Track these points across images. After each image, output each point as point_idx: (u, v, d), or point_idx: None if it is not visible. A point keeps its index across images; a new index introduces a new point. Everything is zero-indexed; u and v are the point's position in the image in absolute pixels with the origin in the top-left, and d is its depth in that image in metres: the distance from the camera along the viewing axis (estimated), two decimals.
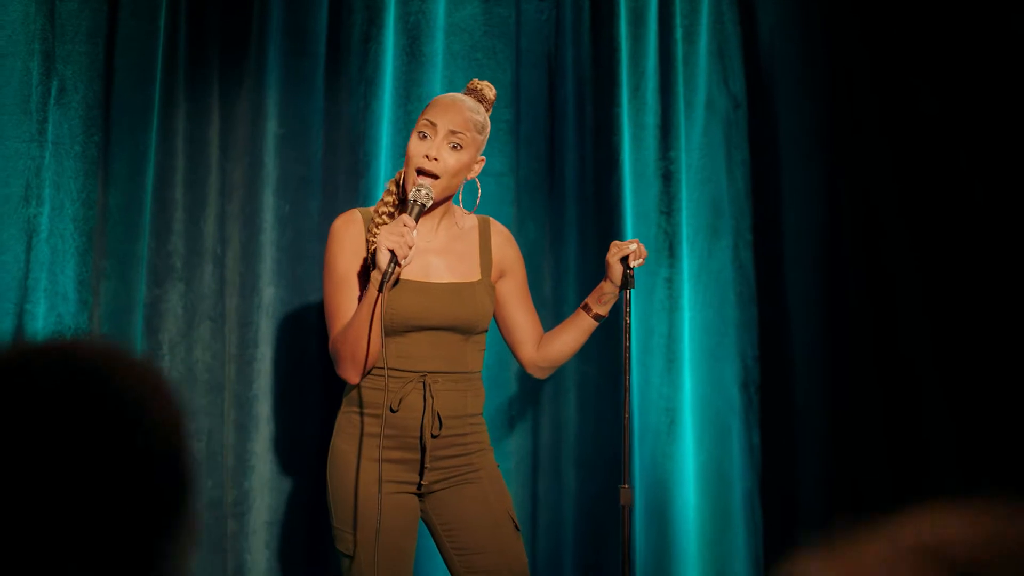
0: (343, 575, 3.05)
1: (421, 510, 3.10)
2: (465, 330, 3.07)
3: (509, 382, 3.85)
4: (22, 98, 3.46)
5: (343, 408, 3.09)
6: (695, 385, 3.92)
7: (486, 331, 3.14)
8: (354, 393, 3.05)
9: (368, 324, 2.91)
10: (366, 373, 3.00)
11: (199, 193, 3.66)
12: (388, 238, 2.87)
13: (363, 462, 3.00)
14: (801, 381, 3.95)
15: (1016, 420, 3.82)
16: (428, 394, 3.03)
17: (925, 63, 3.95)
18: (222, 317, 3.66)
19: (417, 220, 2.95)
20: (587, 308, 3.16)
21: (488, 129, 3.12)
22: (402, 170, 3.08)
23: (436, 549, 3.17)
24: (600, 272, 3.13)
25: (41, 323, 3.44)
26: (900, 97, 3.96)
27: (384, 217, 3.06)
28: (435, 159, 2.99)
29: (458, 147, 3.02)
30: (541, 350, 3.20)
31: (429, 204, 2.99)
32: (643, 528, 3.82)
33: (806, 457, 3.93)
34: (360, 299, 2.99)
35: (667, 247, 3.91)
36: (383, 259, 2.87)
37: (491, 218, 3.24)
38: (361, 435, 3.01)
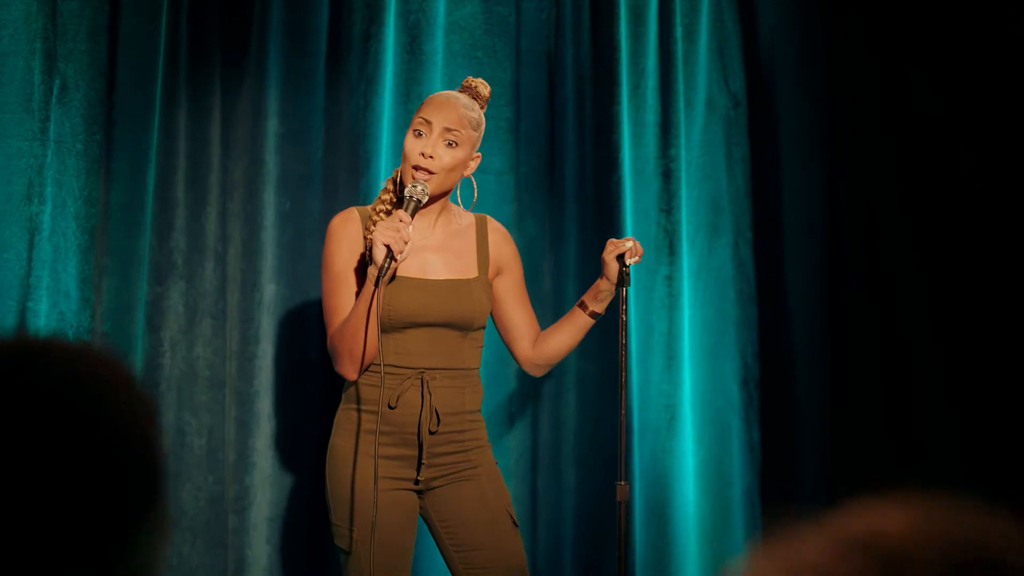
0: (342, 571, 3.07)
1: (420, 507, 3.11)
2: (462, 327, 3.09)
3: (509, 379, 3.86)
4: (24, 97, 3.48)
5: (342, 405, 3.11)
6: (695, 382, 3.93)
7: (483, 328, 3.16)
8: (352, 390, 3.07)
9: (365, 320, 2.93)
10: (364, 369, 3.02)
11: (200, 191, 3.69)
12: (384, 233, 2.90)
13: (361, 459, 3.02)
14: (801, 379, 3.96)
15: (1016, 419, 3.83)
16: (426, 391, 3.04)
17: (925, 62, 3.95)
18: (223, 314, 3.68)
19: (413, 216, 2.97)
20: (583, 306, 3.18)
21: (483, 126, 3.14)
22: (399, 168, 3.11)
23: (436, 546, 3.19)
24: (600, 270, 3.15)
25: (43, 320, 3.47)
26: (900, 96, 3.97)
27: (381, 215, 3.08)
28: (431, 156, 3.02)
29: (453, 144, 3.05)
30: (537, 347, 3.22)
31: (425, 200, 3.01)
32: (643, 525, 3.83)
33: (806, 455, 3.93)
34: (358, 296, 3.01)
35: (667, 245, 3.92)
36: (379, 254, 2.89)
37: (488, 216, 3.26)
38: (359, 431, 3.04)
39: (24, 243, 3.47)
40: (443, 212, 3.15)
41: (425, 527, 3.15)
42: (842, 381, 3.93)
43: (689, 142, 3.98)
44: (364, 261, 3.05)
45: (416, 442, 3.04)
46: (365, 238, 3.06)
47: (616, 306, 3.13)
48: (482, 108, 3.16)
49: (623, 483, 3.07)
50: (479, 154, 3.15)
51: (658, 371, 3.89)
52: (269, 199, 3.71)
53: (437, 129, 3.04)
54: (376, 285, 2.90)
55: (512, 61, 3.92)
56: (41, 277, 3.48)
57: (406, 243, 2.91)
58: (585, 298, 3.18)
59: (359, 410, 3.05)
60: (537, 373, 3.31)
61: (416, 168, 3.02)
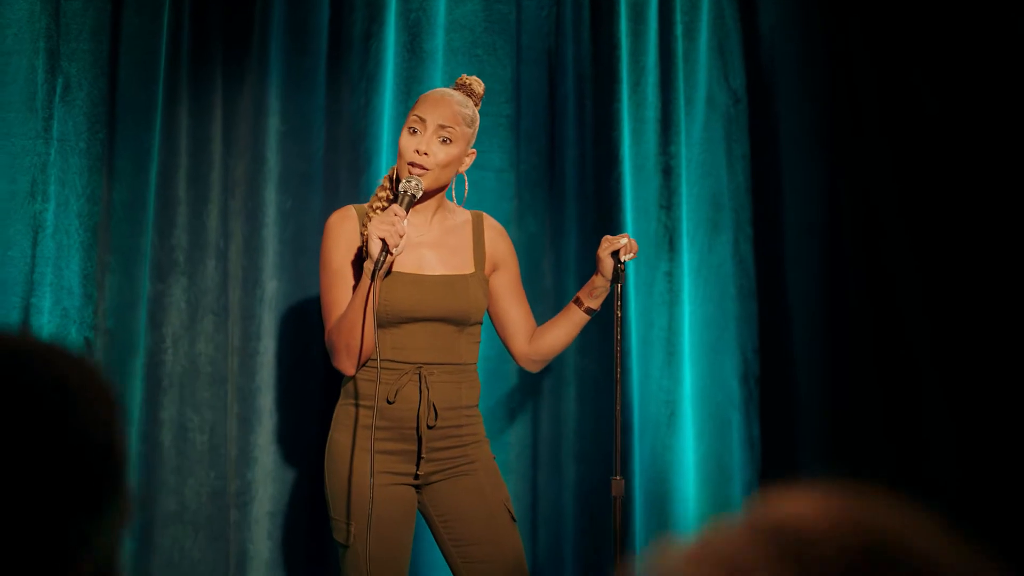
0: (340, 564, 3.10)
1: (418, 502, 3.14)
2: (458, 322, 3.11)
3: (509, 375, 3.88)
4: (28, 96, 3.52)
5: (340, 400, 3.14)
6: (695, 378, 3.95)
7: (480, 323, 3.18)
8: (351, 385, 3.10)
9: (362, 314, 2.96)
10: (362, 364, 3.05)
11: (202, 189, 3.72)
12: (379, 227, 2.93)
13: (359, 453, 3.05)
14: (801, 374, 3.97)
15: (1015, 415, 3.83)
16: (424, 386, 3.07)
17: (925, 61, 3.95)
18: (225, 311, 3.71)
19: (407, 210, 3.01)
20: (579, 302, 3.20)
21: (477, 123, 3.16)
22: (395, 166, 3.14)
23: (434, 541, 3.21)
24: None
25: (47, 317, 3.50)
26: (900, 95, 3.97)
27: (377, 211, 3.11)
28: (425, 153, 3.05)
29: (448, 141, 3.07)
30: (533, 343, 3.24)
31: (420, 194, 3.04)
32: (643, 520, 3.85)
33: (806, 450, 3.94)
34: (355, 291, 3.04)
35: (667, 241, 3.93)
36: (375, 248, 2.93)
37: (484, 213, 3.28)
38: (357, 427, 3.06)
39: (28, 240, 3.51)
40: (439, 209, 3.17)
41: (424, 522, 3.18)
42: (842, 377, 3.94)
43: (689, 139, 4.00)
44: (361, 257, 3.08)
45: (415, 437, 3.07)
46: (362, 235, 3.09)
47: (611, 302, 3.15)
48: (476, 105, 3.18)
49: (618, 478, 3.09)
50: (474, 150, 3.17)
51: (658, 367, 3.90)
52: (270, 197, 3.73)
53: (432, 126, 3.07)
54: (372, 279, 2.93)
55: (512, 59, 3.94)
56: (45, 274, 3.52)
57: (401, 236, 2.94)
58: (581, 294, 3.21)
59: (357, 405, 3.07)
60: (533, 369, 3.33)
61: (411, 165, 3.05)
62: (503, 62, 3.93)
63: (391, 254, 2.95)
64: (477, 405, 3.19)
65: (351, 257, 3.09)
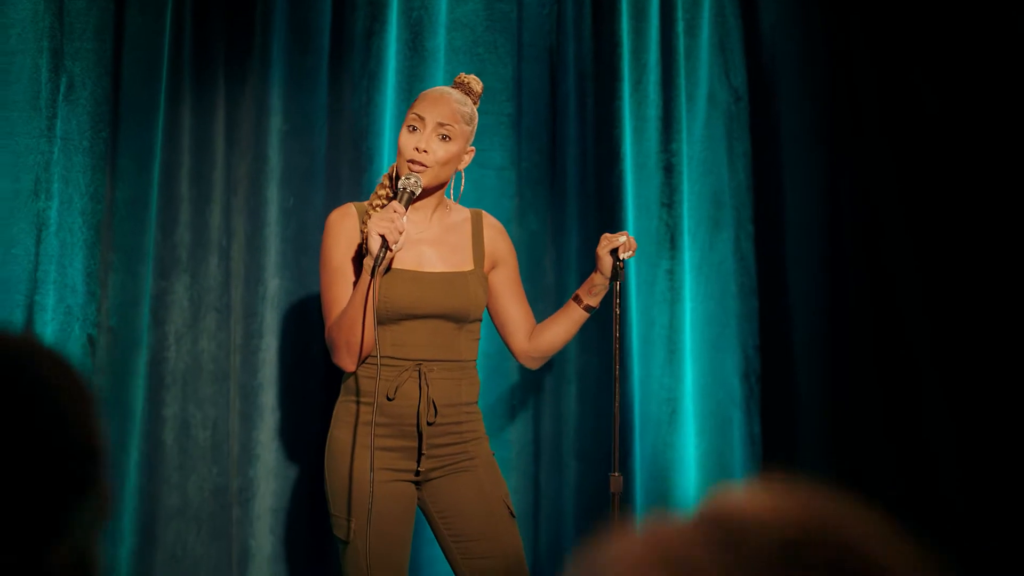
0: (340, 561, 3.12)
1: (418, 498, 3.15)
2: (458, 318, 3.13)
3: (510, 372, 3.89)
4: (31, 95, 3.54)
5: (341, 397, 3.16)
6: (696, 376, 3.96)
7: (479, 320, 3.20)
8: (351, 382, 3.12)
9: (362, 311, 2.98)
10: (362, 361, 3.06)
11: (204, 187, 3.74)
12: (379, 224, 2.95)
13: (359, 450, 3.06)
14: (802, 372, 3.98)
15: (1015, 412, 3.83)
16: (423, 382, 3.08)
17: (926, 60, 3.96)
18: (228, 308, 3.73)
19: (407, 207, 3.03)
20: (578, 299, 3.22)
21: (476, 120, 3.18)
22: (395, 164, 3.15)
23: (434, 537, 3.23)
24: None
25: (50, 315, 3.53)
26: (900, 93, 3.97)
27: (377, 209, 3.13)
28: (425, 151, 3.07)
29: (447, 138, 3.09)
30: (533, 340, 3.26)
31: (419, 191, 3.06)
32: (644, 518, 3.86)
33: (806, 447, 3.95)
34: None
35: (668, 239, 3.94)
36: (374, 244, 2.95)
37: (483, 211, 3.30)
38: (357, 423, 3.08)
39: (32, 238, 3.53)
40: (439, 206, 3.19)
41: (423, 518, 3.19)
42: (842, 374, 3.95)
43: (691, 137, 4.01)
44: (361, 255, 3.09)
45: (415, 433, 3.08)
46: (362, 232, 3.10)
47: (611, 300, 3.16)
48: (475, 103, 3.20)
49: (616, 474, 3.10)
50: (473, 148, 3.19)
51: (659, 364, 3.91)
52: (273, 195, 3.75)
53: (431, 124, 3.08)
54: (372, 275, 2.95)
55: (514, 57, 3.95)
56: (48, 272, 3.54)
57: (401, 233, 2.96)
58: (580, 292, 3.22)
59: (358, 402, 3.09)
60: (533, 366, 3.35)
61: (411, 162, 3.07)
62: (504, 60, 3.94)
63: (391, 250, 2.96)
64: (477, 402, 3.20)
65: (351, 254, 3.11)
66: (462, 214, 3.24)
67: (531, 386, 3.94)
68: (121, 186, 3.63)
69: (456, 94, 3.16)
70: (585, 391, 3.90)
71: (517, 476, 3.86)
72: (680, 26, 4.00)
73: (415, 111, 3.11)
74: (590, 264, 3.79)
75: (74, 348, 3.53)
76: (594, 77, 3.95)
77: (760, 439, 3.98)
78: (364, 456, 3.04)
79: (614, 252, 3.13)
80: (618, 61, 3.92)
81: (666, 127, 3.97)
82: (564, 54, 3.97)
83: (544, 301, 3.81)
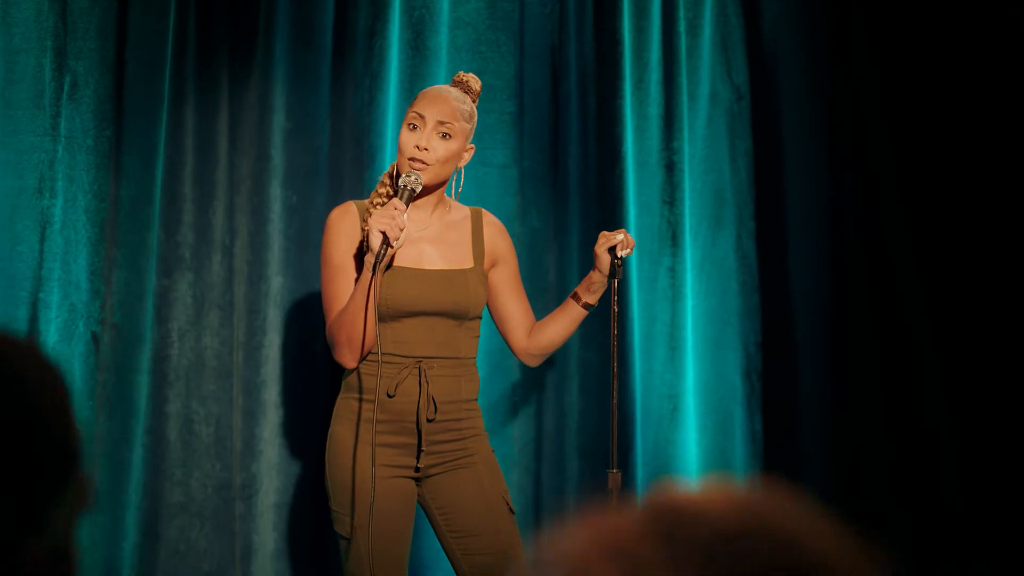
0: (341, 556, 3.14)
1: (418, 495, 3.17)
2: (458, 316, 3.14)
3: (512, 369, 3.91)
4: (35, 93, 3.56)
5: (341, 394, 3.18)
6: (698, 373, 3.97)
7: (479, 318, 3.21)
8: (352, 379, 3.14)
9: (363, 308, 3.00)
10: (363, 358, 3.08)
11: (208, 185, 3.76)
12: (379, 221, 2.97)
13: (360, 446, 3.08)
14: (803, 369, 3.99)
15: (1016, 412, 3.83)
16: (423, 379, 3.10)
17: (927, 59, 3.96)
18: (231, 305, 3.75)
19: (407, 204, 3.04)
20: (577, 297, 3.23)
21: (475, 118, 3.19)
22: (395, 162, 3.17)
23: (434, 533, 3.24)
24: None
25: (55, 312, 3.55)
26: (901, 92, 3.98)
27: (377, 207, 3.15)
28: (425, 149, 3.08)
29: (447, 136, 3.11)
30: (533, 338, 3.27)
31: (419, 188, 3.08)
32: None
33: (808, 444, 3.96)
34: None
35: (670, 236, 3.95)
36: (375, 241, 2.96)
37: (483, 209, 3.31)
38: (358, 420, 3.10)
39: (36, 236, 3.55)
40: (439, 204, 3.21)
41: (423, 514, 3.21)
42: (843, 371, 3.96)
43: (692, 135, 4.01)
44: (362, 252, 3.11)
45: (415, 430, 3.10)
46: (363, 230, 3.12)
47: (609, 297, 3.17)
48: (474, 101, 3.22)
49: (615, 471, 3.11)
50: (472, 146, 3.21)
51: (661, 361, 3.92)
52: (275, 193, 3.77)
53: (431, 122, 3.10)
54: (373, 272, 2.97)
55: (515, 56, 3.96)
56: (52, 269, 3.56)
57: (401, 230, 2.98)
58: (578, 289, 3.24)
59: (359, 399, 3.11)
60: (533, 363, 3.36)
61: (411, 160, 3.09)
62: (506, 59, 3.95)
63: (391, 247, 2.98)
64: (476, 399, 3.22)
65: (352, 252, 3.13)
66: (462, 212, 3.26)
67: (533, 383, 3.95)
68: (125, 184, 3.66)
69: (456, 92, 3.18)
70: (587, 388, 3.91)
71: (519, 473, 3.88)
72: (682, 25, 4.01)
73: (415, 109, 3.13)
74: (591, 262, 3.81)
75: (78, 345, 3.56)
76: (596, 75, 3.96)
77: (761, 436, 3.98)
78: (365, 452, 3.05)
79: (612, 250, 3.14)
80: (620, 59, 3.93)
81: (668, 125, 3.98)
82: (566, 52, 3.98)
83: (545, 298, 3.82)
